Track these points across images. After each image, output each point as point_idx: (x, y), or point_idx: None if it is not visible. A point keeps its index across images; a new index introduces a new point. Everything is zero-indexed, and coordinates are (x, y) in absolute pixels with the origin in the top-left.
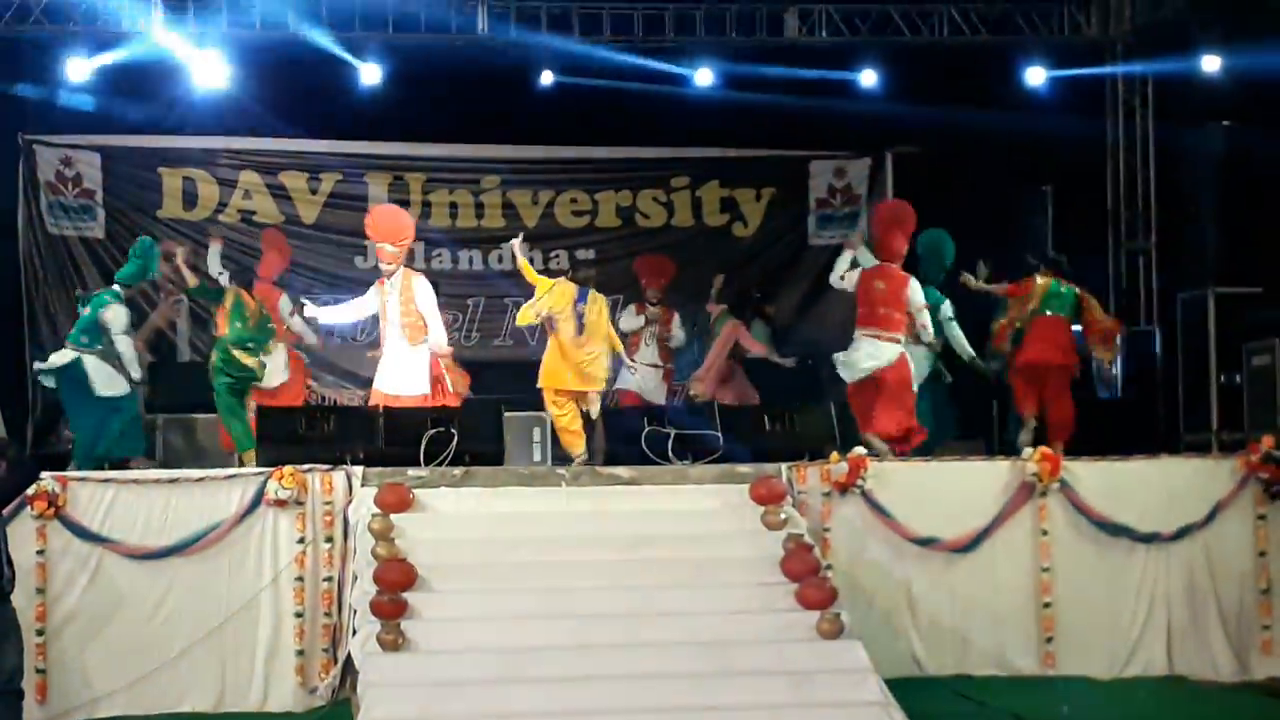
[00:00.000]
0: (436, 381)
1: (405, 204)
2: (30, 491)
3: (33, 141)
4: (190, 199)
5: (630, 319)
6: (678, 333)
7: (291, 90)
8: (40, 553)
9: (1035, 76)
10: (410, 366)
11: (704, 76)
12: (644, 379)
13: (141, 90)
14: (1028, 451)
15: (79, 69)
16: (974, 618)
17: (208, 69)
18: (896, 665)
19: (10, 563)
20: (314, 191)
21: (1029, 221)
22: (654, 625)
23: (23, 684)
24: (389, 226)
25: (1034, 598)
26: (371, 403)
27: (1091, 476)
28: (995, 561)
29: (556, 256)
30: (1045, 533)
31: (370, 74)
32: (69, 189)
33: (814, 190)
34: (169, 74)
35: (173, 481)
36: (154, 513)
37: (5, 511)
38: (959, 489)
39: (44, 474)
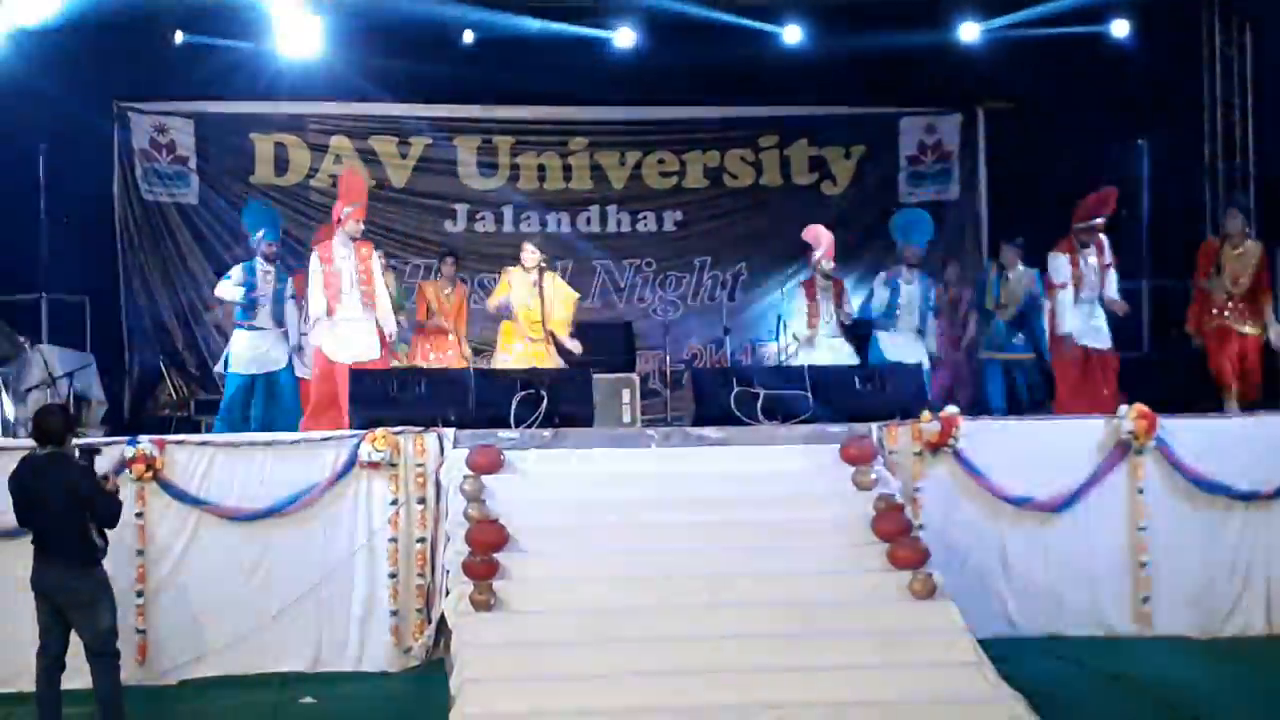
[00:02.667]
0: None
1: (494, 167)
2: (129, 454)
3: (127, 109)
4: (282, 165)
5: (800, 301)
6: (849, 304)
7: (382, 55)
8: (139, 515)
9: (1129, 28)
10: (369, 333)
11: (792, 34)
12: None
13: (234, 56)
14: (1123, 409)
15: (172, 36)
16: (1068, 577)
17: (299, 34)
18: (989, 625)
19: (103, 531)
20: (404, 156)
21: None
22: (743, 586)
23: (119, 645)
24: (360, 189)
25: (1130, 557)
26: (320, 369)
27: (1189, 434)
28: (1090, 521)
29: (644, 218)
30: (1141, 491)
31: (461, 37)
32: (163, 155)
33: (904, 147)
34: (261, 39)
35: (269, 444)
36: (250, 475)
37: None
38: (1053, 448)
39: (141, 438)
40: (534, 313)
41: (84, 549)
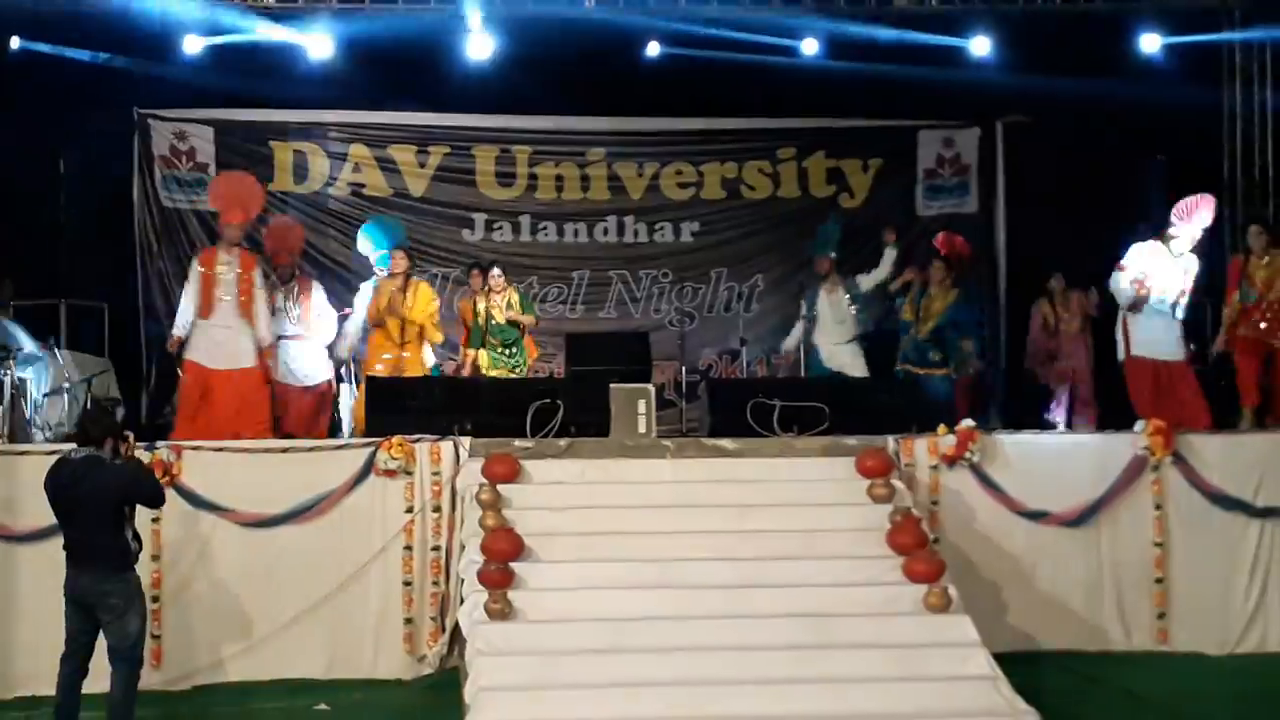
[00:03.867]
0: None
1: (512, 177)
2: (147, 460)
3: (147, 116)
4: (301, 172)
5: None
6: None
7: (400, 63)
8: (155, 520)
9: (1150, 43)
10: (244, 341)
11: (810, 46)
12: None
13: (253, 64)
14: (1140, 425)
15: (192, 44)
16: (1085, 592)
17: (318, 43)
18: (1005, 640)
19: (138, 535)
20: (422, 165)
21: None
22: (758, 597)
23: (143, 652)
24: (247, 195)
25: (1146, 573)
26: (191, 377)
27: (1208, 450)
28: (1107, 536)
29: (661, 229)
30: (1159, 507)
31: (480, 46)
32: (182, 162)
33: (922, 160)
34: (280, 48)
35: (285, 451)
36: (266, 482)
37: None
38: (1070, 462)
39: (159, 443)
40: (398, 321)
41: (119, 553)
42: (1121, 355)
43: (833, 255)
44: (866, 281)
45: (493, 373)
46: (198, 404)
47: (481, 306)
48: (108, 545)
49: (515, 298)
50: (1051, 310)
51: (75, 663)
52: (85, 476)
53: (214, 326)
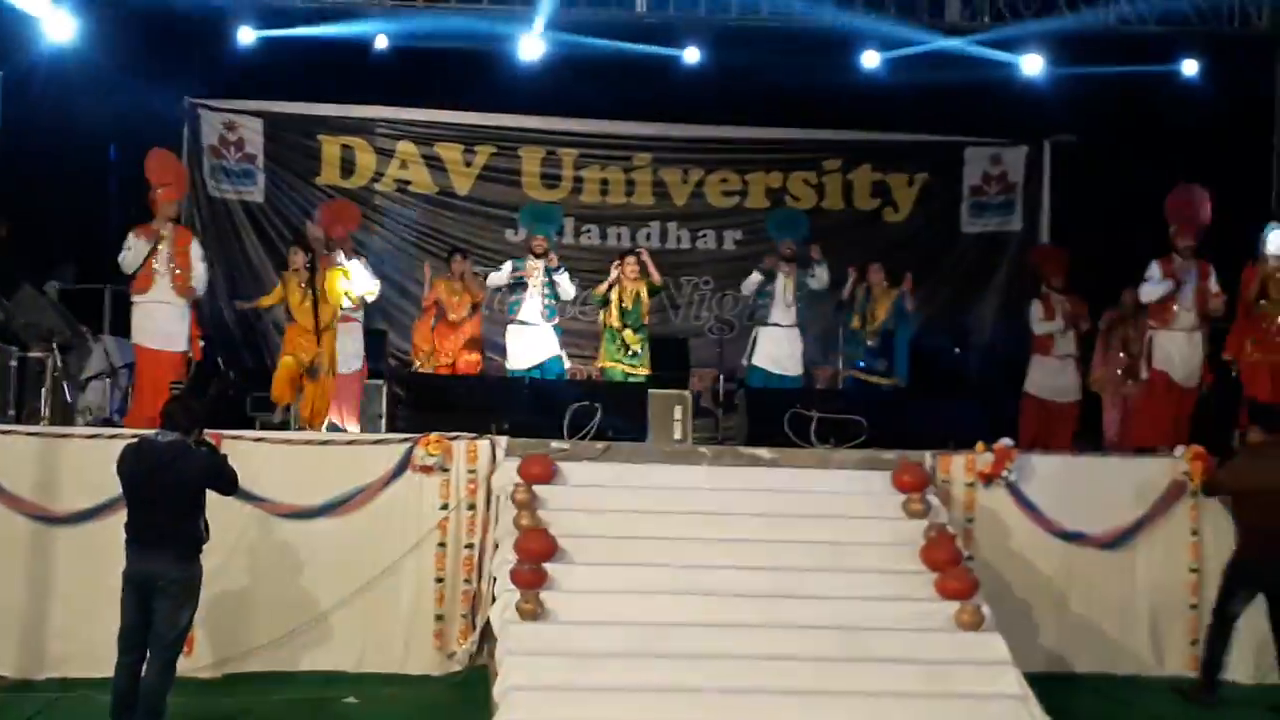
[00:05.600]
0: (192, 340)
1: (557, 179)
2: None
3: (197, 105)
4: (348, 167)
5: (1042, 324)
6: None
7: (450, 62)
8: None
9: (1201, 68)
10: (179, 320)
11: (870, 59)
12: (1058, 374)
13: (303, 57)
14: (1180, 450)
15: (244, 35)
16: (1119, 616)
17: (369, 39)
18: (1037, 660)
19: (207, 525)
20: (468, 164)
21: None
22: (790, 607)
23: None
24: (176, 169)
25: (1182, 598)
26: (139, 360)
27: None
28: (1143, 560)
29: (704, 236)
30: (1195, 533)
31: (529, 49)
32: (231, 153)
33: (968, 177)
34: (331, 42)
35: (323, 443)
36: (304, 473)
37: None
38: (1107, 485)
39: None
40: (308, 312)
41: (192, 539)
42: (1145, 373)
43: (795, 241)
44: (814, 282)
45: (608, 365)
46: (149, 382)
47: (614, 294)
48: (183, 531)
49: (644, 290)
50: (1123, 325)
51: (138, 654)
52: (173, 462)
53: (148, 303)
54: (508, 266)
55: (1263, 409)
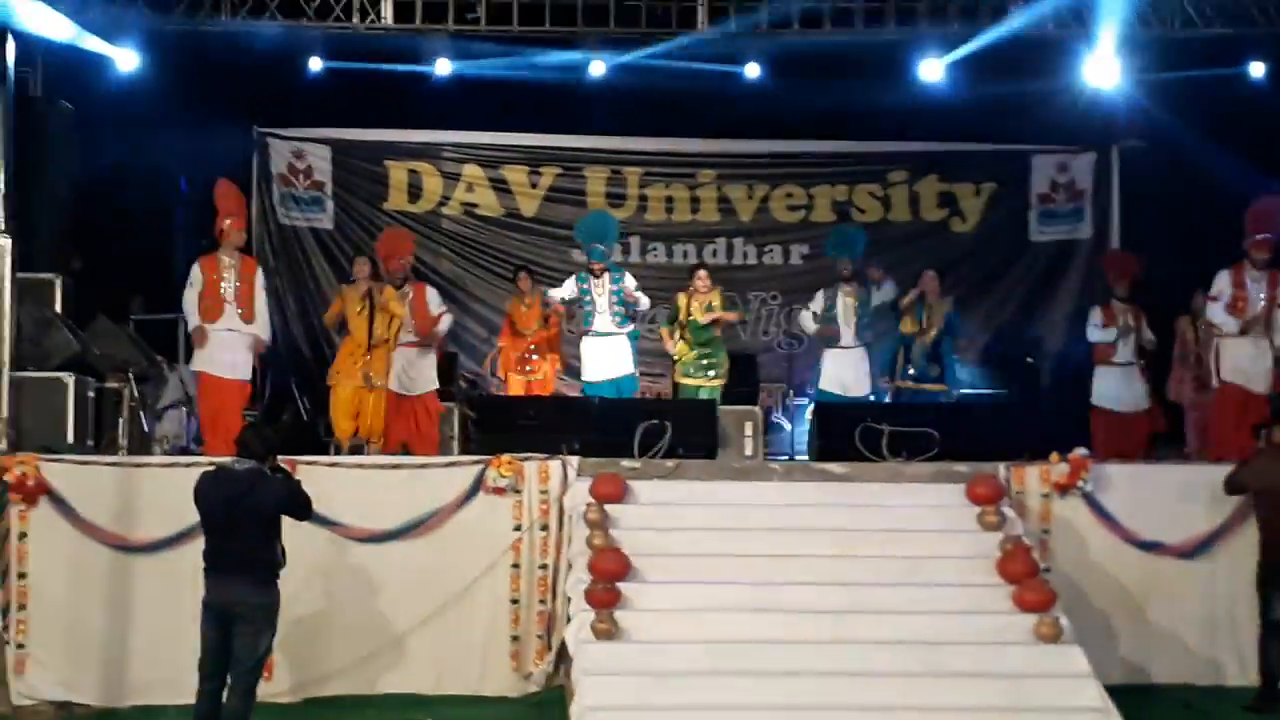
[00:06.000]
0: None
1: (622, 198)
2: None
3: (266, 134)
4: (415, 192)
5: (1099, 331)
6: (1147, 330)
7: (514, 84)
8: None
9: (1265, 70)
10: (244, 349)
11: (932, 70)
12: (1122, 383)
13: (368, 84)
14: None
15: (314, 64)
16: (1198, 626)
17: (433, 64)
18: (1117, 672)
19: (284, 550)
20: (534, 185)
21: None
22: (865, 623)
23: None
24: (236, 198)
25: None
26: (203, 384)
27: None
28: (1223, 569)
29: (771, 251)
30: None
31: (593, 68)
32: (300, 181)
33: (1036, 185)
34: (396, 70)
35: (396, 467)
36: (377, 497)
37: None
38: (1185, 493)
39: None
40: (362, 329)
41: (270, 565)
42: (1215, 382)
43: (854, 259)
44: (876, 298)
45: (685, 381)
46: (212, 412)
47: (682, 303)
48: (261, 557)
49: (717, 300)
50: (1193, 329)
51: (219, 680)
52: (250, 489)
53: (216, 333)
54: (570, 282)
55: None
